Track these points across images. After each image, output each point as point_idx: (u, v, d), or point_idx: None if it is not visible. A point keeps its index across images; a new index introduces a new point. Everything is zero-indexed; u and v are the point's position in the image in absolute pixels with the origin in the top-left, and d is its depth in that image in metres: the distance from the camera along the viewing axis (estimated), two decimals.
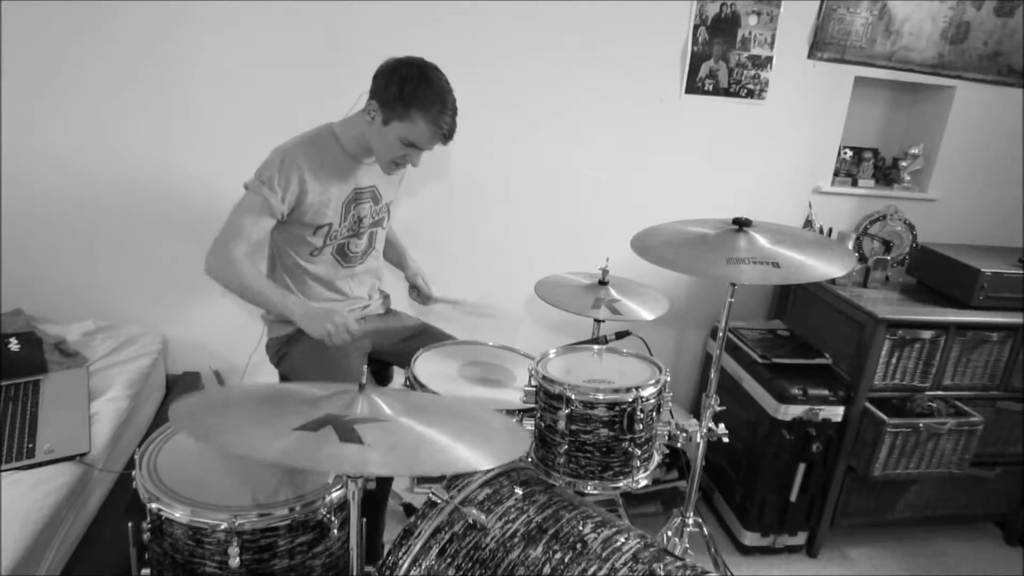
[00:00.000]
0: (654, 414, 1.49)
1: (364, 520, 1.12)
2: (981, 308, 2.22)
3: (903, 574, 2.38)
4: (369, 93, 1.63)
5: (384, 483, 1.85)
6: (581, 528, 1.23)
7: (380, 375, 2.05)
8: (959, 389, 2.27)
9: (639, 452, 1.45)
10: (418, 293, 2.06)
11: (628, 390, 1.42)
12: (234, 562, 1.09)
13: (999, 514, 2.56)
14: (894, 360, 2.20)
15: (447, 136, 1.63)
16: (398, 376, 2.11)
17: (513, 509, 1.26)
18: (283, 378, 1.91)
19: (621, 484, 1.47)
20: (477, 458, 0.97)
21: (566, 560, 1.17)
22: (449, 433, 1.01)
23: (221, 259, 1.61)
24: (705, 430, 1.68)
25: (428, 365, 1.72)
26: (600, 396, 1.41)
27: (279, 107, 2.20)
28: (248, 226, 1.63)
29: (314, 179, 1.65)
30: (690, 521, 1.84)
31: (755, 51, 2.42)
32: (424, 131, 1.60)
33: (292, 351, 1.81)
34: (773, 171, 2.62)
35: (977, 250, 2.46)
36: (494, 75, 2.31)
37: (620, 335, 1.96)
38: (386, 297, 2.03)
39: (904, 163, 2.71)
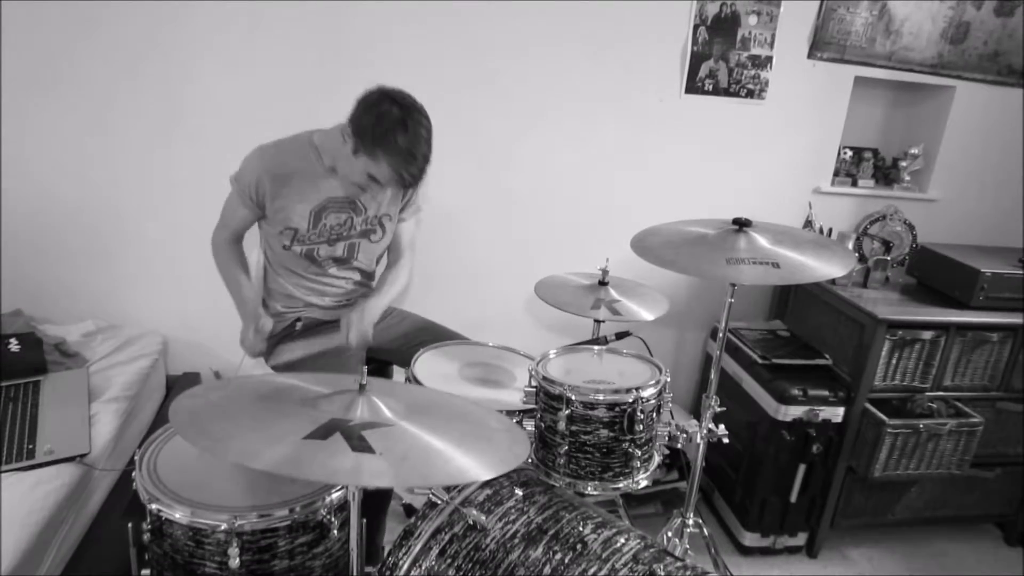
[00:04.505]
0: (654, 415, 1.49)
1: (364, 521, 1.12)
2: (981, 308, 2.21)
3: (903, 575, 2.38)
4: (349, 115, 1.61)
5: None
6: (581, 529, 1.23)
7: (379, 374, 2.05)
8: (959, 390, 2.27)
9: (639, 453, 1.45)
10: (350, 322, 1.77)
11: (628, 391, 1.41)
12: (234, 563, 1.09)
13: (999, 515, 2.56)
14: (894, 361, 2.19)
15: (409, 185, 1.64)
16: (398, 375, 2.11)
17: (513, 510, 1.26)
18: None
19: (621, 485, 1.46)
20: (483, 468, 0.96)
21: (566, 561, 1.17)
22: (452, 440, 1.00)
23: (213, 245, 1.82)
24: (705, 431, 1.68)
25: (428, 365, 1.72)
26: (600, 397, 1.41)
27: (278, 107, 2.20)
28: (228, 216, 1.79)
29: (276, 183, 1.68)
30: (690, 522, 1.84)
31: (755, 51, 2.42)
32: (387, 174, 1.58)
33: (284, 350, 1.81)
34: (773, 171, 2.62)
35: (977, 250, 2.46)
36: (494, 75, 2.31)
37: (620, 335, 1.95)
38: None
39: (904, 163, 2.71)
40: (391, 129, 1.53)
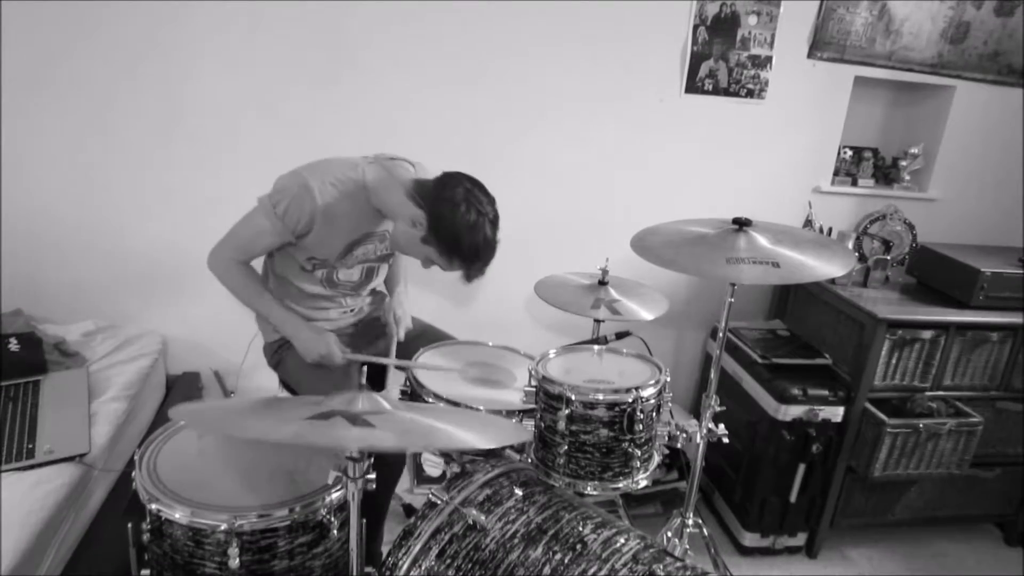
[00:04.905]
0: (654, 414, 1.49)
1: (364, 522, 1.12)
2: (981, 308, 2.21)
3: (903, 575, 2.38)
4: (424, 205, 1.54)
5: (384, 491, 1.85)
6: (581, 529, 1.23)
7: (378, 377, 2.05)
8: (959, 389, 2.27)
9: (639, 453, 1.45)
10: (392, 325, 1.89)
11: (628, 390, 1.41)
12: (234, 563, 1.09)
13: (999, 515, 2.56)
14: (894, 360, 2.19)
15: (470, 279, 1.61)
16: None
17: (513, 510, 1.27)
18: (281, 381, 1.91)
19: (621, 485, 1.46)
20: (483, 440, 0.98)
21: (566, 561, 1.17)
22: (452, 422, 1.01)
23: (220, 263, 1.67)
24: (705, 430, 1.68)
25: (428, 365, 1.71)
26: (600, 396, 1.41)
27: (277, 106, 2.21)
28: (252, 244, 1.66)
29: (324, 223, 1.61)
30: (690, 522, 1.84)
31: (755, 51, 2.42)
32: (454, 268, 1.59)
33: (287, 357, 1.80)
34: (773, 171, 2.62)
35: (977, 250, 2.46)
36: (494, 74, 2.31)
37: (620, 335, 1.96)
38: (381, 297, 2.02)
39: (904, 163, 2.71)
40: (475, 241, 1.52)
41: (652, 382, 1.46)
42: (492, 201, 1.57)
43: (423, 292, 2.47)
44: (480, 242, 1.53)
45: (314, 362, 1.68)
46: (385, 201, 1.63)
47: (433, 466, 2.39)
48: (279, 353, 1.81)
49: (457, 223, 1.50)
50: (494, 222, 1.56)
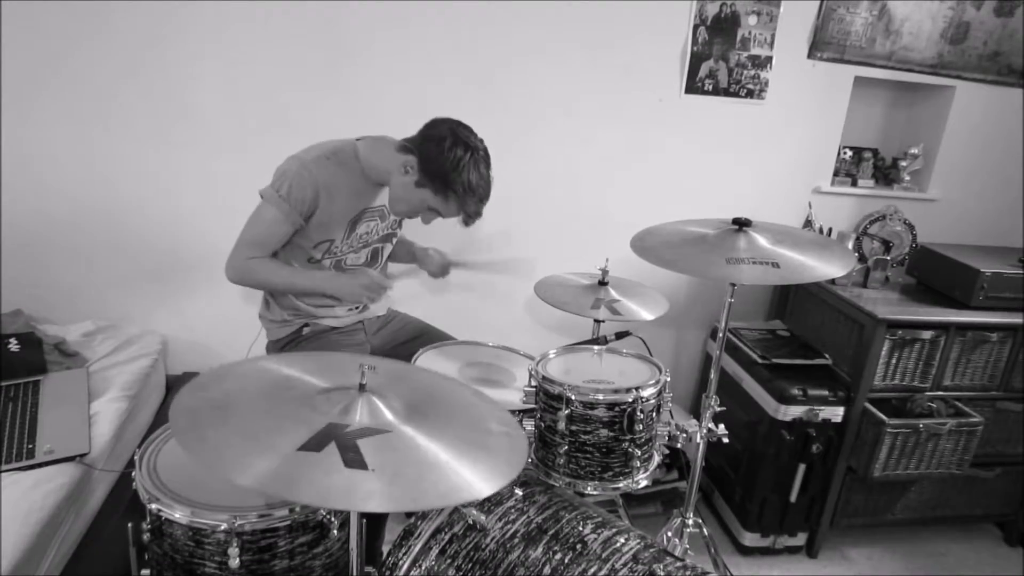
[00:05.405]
0: (654, 414, 1.49)
1: (364, 521, 1.12)
2: (981, 308, 2.21)
3: (903, 575, 2.38)
4: (414, 149, 1.59)
5: None
6: (581, 529, 1.23)
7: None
8: (959, 389, 2.27)
9: (639, 452, 1.45)
10: (435, 265, 2.01)
11: (628, 390, 1.42)
12: (234, 563, 1.09)
13: (999, 514, 2.56)
14: (894, 360, 2.20)
15: (469, 221, 1.65)
16: None
17: (513, 510, 1.27)
18: None
19: (621, 485, 1.47)
20: (479, 482, 0.94)
21: (566, 561, 1.17)
22: (449, 446, 0.98)
23: (240, 270, 1.67)
24: (705, 430, 1.69)
25: (428, 365, 1.72)
26: (600, 396, 1.41)
27: (278, 106, 2.21)
28: (266, 237, 1.66)
29: (327, 197, 1.63)
30: (690, 522, 1.84)
31: (755, 51, 2.42)
32: (452, 210, 1.63)
33: None
34: (773, 171, 2.62)
35: (977, 250, 2.46)
36: (494, 75, 2.31)
37: (620, 335, 1.96)
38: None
39: (904, 163, 2.71)
40: (466, 175, 1.56)
41: (652, 382, 1.47)
42: (480, 140, 1.62)
43: (424, 291, 2.47)
44: (472, 175, 1.56)
45: (362, 301, 1.75)
46: (377, 164, 1.67)
47: None
48: (285, 351, 1.82)
49: (445, 157, 1.55)
50: (485, 158, 1.60)
